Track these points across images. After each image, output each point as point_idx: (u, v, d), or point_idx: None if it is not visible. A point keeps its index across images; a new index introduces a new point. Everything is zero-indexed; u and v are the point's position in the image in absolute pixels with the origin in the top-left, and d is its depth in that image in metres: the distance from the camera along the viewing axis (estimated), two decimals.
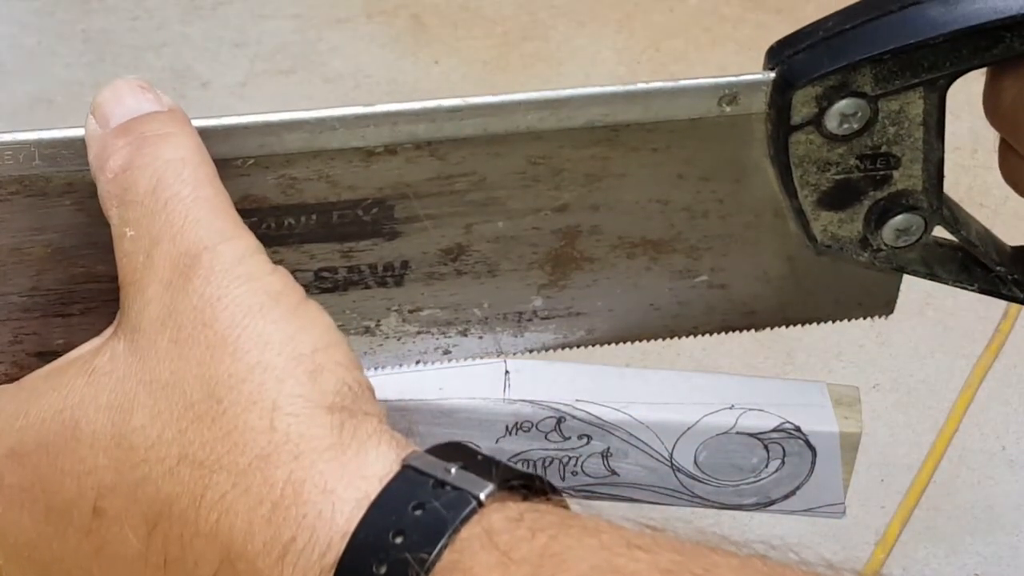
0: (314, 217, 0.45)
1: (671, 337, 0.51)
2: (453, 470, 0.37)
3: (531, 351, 0.50)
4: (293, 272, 0.44)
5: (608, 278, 0.49)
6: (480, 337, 0.49)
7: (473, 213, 0.46)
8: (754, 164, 0.47)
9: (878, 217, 0.48)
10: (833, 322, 0.51)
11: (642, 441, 0.52)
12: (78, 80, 1.73)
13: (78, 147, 0.42)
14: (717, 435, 0.53)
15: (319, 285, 0.47)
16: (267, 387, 0.38)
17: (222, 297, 0.38)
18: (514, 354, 0.50)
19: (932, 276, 0.50)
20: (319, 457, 0.37)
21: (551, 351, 0.51)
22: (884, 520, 1.37)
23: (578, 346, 0.50)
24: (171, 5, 1.83)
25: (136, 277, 0.39)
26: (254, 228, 0.44)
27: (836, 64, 0.45)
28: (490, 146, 0.45)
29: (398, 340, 0.49)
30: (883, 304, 0.51)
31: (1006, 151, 0.49)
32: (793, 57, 0.46)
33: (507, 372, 0.52)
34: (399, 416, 0.52)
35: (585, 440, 0.49)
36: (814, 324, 0.51)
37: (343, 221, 0.46)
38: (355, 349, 0.47)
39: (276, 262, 0.43)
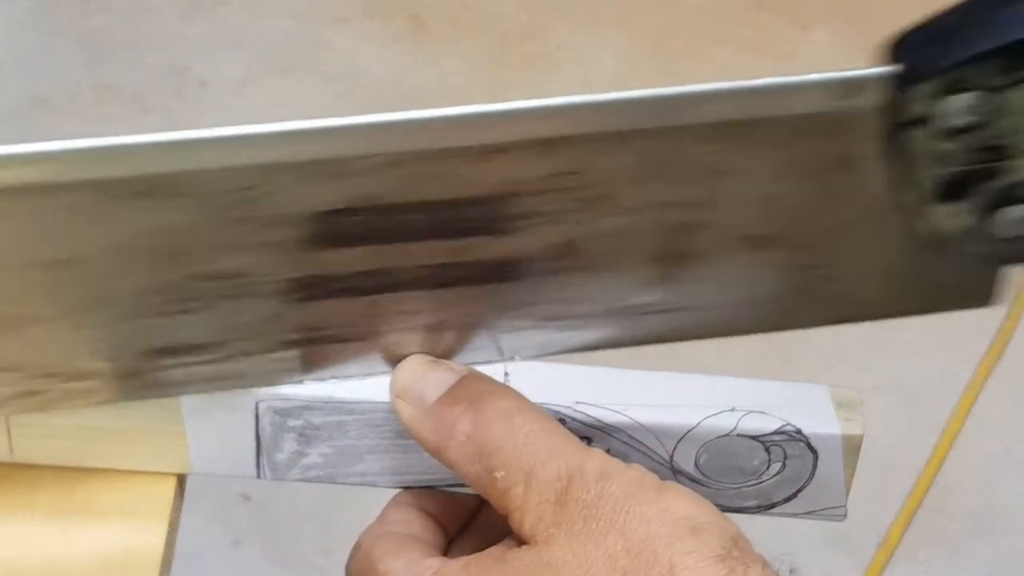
0: (426, 215, 0.46)
1: (776, 331, 0.52)
2: None
3: (640, 344, 0.51)
4: (402, 269, 0.47)
5: (717, 273, 0.49)
6: (589, 330, 0.50)
7: (584, 210, 0.46)
8: (866, 158, 0.47)
9: (992, 209, 0.47)
10: (930, 314, 0.51)
11: (642, 443, 0.52)
12: (76, 79, 1.72)
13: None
14: (718, 437, 0.53)
15: (429, 281, 0.47)
16: (659, 552, 0.44)
17: (600, 495, 0.45)
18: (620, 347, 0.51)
19: None
20: None
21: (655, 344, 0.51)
22: (886, 522, 1.37)
23: (687, 339, 0.51)
24: (170, 4, 1.83)
25: (519, 503, 0.46)
26: (366, 225, 0.46)
27: (956, 59, 0.44)
28: (603, 144, 0.45)
29: (508, 334, 0.50)
30: (981, 296, 0.51)
31: None
32: (913, 52, 0.45)
33: (506, 374, 0.51)
34: (397, 419, 0.51)
35: (585, 442, 0.49)
36: (912, 316, 0.51)
37: (454, 218, 0.46)
38: (460, 343, 0.50)
39: (385, 259, 0.47)
